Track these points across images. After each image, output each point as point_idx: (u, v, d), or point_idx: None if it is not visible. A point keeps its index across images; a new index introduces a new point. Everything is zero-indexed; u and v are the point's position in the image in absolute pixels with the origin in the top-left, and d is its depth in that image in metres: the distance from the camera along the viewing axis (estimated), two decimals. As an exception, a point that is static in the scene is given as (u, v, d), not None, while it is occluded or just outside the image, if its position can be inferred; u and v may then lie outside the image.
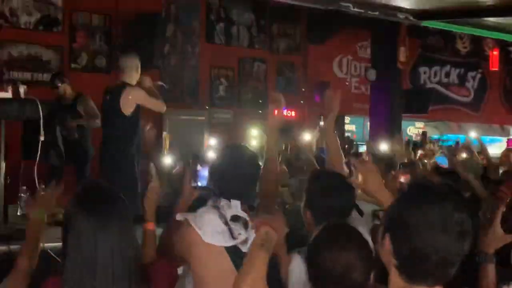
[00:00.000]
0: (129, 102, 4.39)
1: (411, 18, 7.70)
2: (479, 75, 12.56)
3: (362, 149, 8.56)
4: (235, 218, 1.88)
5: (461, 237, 1.23)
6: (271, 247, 1.53)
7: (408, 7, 7.55)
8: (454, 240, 1.22)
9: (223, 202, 1.93)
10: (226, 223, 1.88)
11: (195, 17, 8.92)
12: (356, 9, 7.41)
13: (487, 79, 12.63)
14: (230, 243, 1.86)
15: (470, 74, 12.48)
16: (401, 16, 7.54)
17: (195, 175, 2.05)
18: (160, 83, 5.30)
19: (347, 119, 11.73)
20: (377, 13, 7.40)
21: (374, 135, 7.53)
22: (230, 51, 9.33)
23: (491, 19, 8.09)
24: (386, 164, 4.46)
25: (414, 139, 10.77)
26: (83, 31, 7.99)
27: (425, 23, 7.99)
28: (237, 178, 1.96)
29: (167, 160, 7.08)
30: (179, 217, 1.95)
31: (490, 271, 1.80)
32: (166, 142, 7.50)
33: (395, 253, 1.27)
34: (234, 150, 2.17)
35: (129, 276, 1.43)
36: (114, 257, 1.41)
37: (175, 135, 8.11)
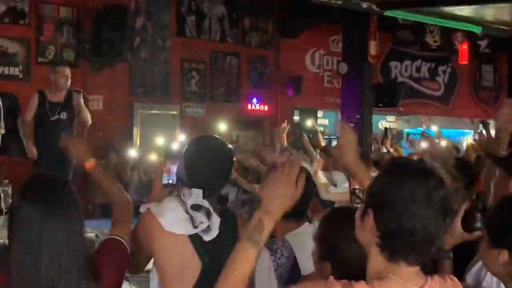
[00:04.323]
0: None
1: (375, 8, 7.71)
2: (449, 69, 12.73)
3: (334, 143, 8.60)
4: (196, 207, 1.86)
5: (445, 212, 1.25)
6: (264, 237, 1.34)
7: (371, -4, 7.57)
8: (438, 215, 1.24)
9: (184, 191, 1.90)
10: (187, 212, 1.86)
11: (166, 10, 8.81)
12: (320, -1, 7.40)
13: (457, 73, 12.81)
14: (191, 231, 1.84)
15: (441, 68, 12.64)
16: (364, 5, 7.54)
17: (168, 172, 2.02)
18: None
19: (319, 113, 11.79)
20: (340, 2, 7.40)
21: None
22: (201, 44, 9.26)
23: (459, 11, 8.18)
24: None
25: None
26: (51, 24, 7.82)
27: (388, 13, 8.03)
28: (204, 167, 1.93)
29: (135, 153, 7.03)
30: (142, 209, 1.92)
31: (447, 267, 1.81)
32: (136, 137, 7.43)
33: (378, 230, 1.26)
34: (204, 140, 2.13)
35: (78, 268, 1.38)
36: (60, 249, 1.37)
37: (146, 129, 8.03)
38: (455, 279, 1.37)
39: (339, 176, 4.81)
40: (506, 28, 8.77)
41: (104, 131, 5.10)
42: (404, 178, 1.26)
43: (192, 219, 1.84)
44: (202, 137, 2.20)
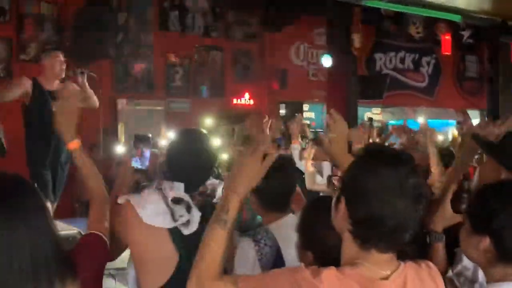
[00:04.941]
0: None
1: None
2: (433, 60, 12.80)
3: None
4: (177, 200, 1.84)
5: (417, 200, 1.24)
6: (230, 217, 1.33)
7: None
8: (410, 203, 1.23)
9: (165, 184, 1.88)
10: (168, 205, 1.84)
11: (148, 5, 8.74)
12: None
13: (441, 64, 12.89)
14: (171, 224, 1.82)
15: (425, 59, 12.70)
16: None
17: (140, 156, 1.97)
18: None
19: (306, 107, 11.79)
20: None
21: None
22: (185, 39, 9.21)
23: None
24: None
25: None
26: (31, 21, 7.72)
27: (369, 3, 8.04)
28: (186, 161, 1.92)
29: (122, 150, 6.95)
30: (121, 200, 1.88)
31: (440, 249, 1.81)
32: (121, 133, 7.37)
33: (350, 217, 1.26)
34: (187, 134, 2.11)
35: (46, 268, 1.33)
36: (23, 252, 1.30)
37: (131, 126, 7.97)
38: (431, 264, 1.37)
39: (328, 167, 4.82)
40: (485, 16, 8.82)
41: (87, 127, 5.00)
42: (375, 165, 1.25)
43: (172, 212, 1.82)
44: (186, 130, 2.18)
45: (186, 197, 1.86)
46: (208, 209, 1.89)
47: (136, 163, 2.03)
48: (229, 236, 1.34)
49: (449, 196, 1.85)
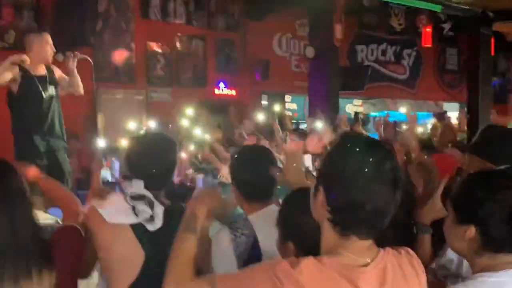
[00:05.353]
0: None
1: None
2: (414, 53, 12.89)
3: (303, 126, 8.63)
4: (138, 197, 1.84)
5: (393, 185, 1.24)
6: (197, 226, 1.50)
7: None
8: (387, 188, 1.23)
9: (126, 183, 1.89)
10: (128, 202, 1.83)
11: (129, -8, 8.63)
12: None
13: (422, 56, 12.98)
14: (133, 220, 1.81)
15: (406, 51, 12.79)
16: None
17: (111, 168, 1.99)
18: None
19: (288, 98, 11.79)
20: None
21: (312, 113, 7.58)
22: (166, 27, 9.11)
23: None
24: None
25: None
26: (10, 7, 7.56)
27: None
28: (143, 157, 1.92)
29: (101, 142, 6.87)
30: (85, 210, 1.90)
31: (426, 241, 1.82)
32: (101, 123, 7.27)
33: (328, 205, 1.26)
34: (145, 135, 2.14)
35: (26, 256, 1.32)
36: (5, 238, 1.29)
37: (110, 115, 7.88)
38: (411, 251, 1.38)
39: (309, 159, 4.83)
40: (465, 7, 8.87)
41: (67, 117, 4.90)
42: (351, 152, 1.25)
43: (133, 208, 1.81)
44: (144, 134, 2.21)
45: (147, 193, 1.85)
46: (175, 207, 1.89)
47: (107, 174, 2.06)
48: (198, 240, 1.47)
49: (440, 189, 1.85)
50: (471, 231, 1.47)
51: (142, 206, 1.81)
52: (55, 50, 4.59)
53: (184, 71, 9.40)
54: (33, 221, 1.38)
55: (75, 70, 4.60)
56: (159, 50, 9.07)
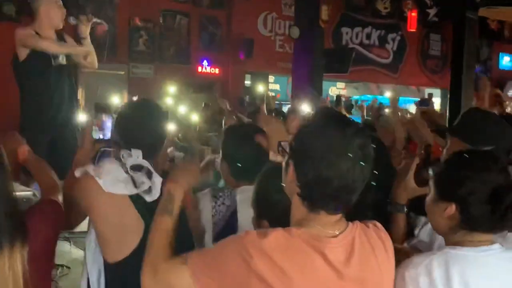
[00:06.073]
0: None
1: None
2: (398, 37, 12.92)
3: (286, 108, 8.62)
4: (137, 167, 1.79)
5: (363, 161, 1.24)
6: (176, 206, 1.50)
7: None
8: (355, 164, 1.24)
9: (123, 152, 1.82)
10: (127, 172, 1.79)
11: (112, -35, 8.45)
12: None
13: (406, 41, 13.02)
14: (133, 191, 1.77)
15: (390, 35, 12.80)
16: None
17: (101, 127, 1.91)
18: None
19: (271, 78, 11.75)
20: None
21: (296, 94, 7.55)
22: (150, 2, 8.96)
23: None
24: None
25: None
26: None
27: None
28: (137, 126, 1.87)
29: (82, 117, 6.76)
30: (78, 173, 1.82)
31: (401, 220, 1.85)
32: (81, 98, 7.15)
33: (298, 180, 1.27)
34: (141, 102, 2.07)
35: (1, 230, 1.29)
36: None
37: (91, 90, 7.76)
38: (379, 224, 1.41)
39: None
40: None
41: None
42: (322, 127, 1.26)
43: (132, 179, 1.77)
44: (135, 100, 2.15)
45: (146, 164, 1.81)
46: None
47: (97, 133, 1.99)
48: (175, 222, 1.46)
49: (413, 168, 1.87)
50: (451, 208, 1.50)
51: (141, 177, 1.77)
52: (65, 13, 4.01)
53: (167, 47, 9.28)
54: (8, 193, 1.34)
55: (89, 38, 4.05)
56: (142, 25, 8.92)
